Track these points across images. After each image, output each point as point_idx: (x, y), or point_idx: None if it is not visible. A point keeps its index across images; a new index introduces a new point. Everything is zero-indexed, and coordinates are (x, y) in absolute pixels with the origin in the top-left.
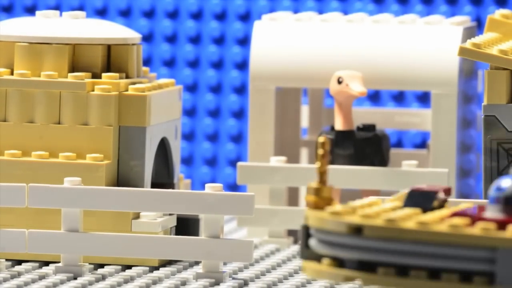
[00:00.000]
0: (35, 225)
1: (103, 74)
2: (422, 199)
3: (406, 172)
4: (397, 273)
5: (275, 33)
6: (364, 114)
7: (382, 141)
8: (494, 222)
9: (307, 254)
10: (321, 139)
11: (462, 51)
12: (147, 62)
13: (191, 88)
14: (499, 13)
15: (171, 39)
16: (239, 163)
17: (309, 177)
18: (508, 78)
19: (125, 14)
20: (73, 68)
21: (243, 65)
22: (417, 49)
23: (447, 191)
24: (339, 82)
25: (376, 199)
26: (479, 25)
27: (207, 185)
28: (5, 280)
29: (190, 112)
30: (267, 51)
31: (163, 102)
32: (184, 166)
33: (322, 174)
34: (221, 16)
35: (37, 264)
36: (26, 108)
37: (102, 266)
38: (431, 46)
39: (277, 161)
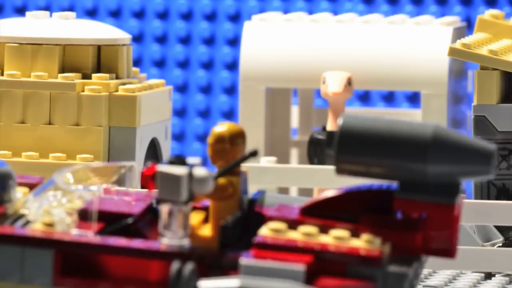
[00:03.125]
0: None
1: (93, 75)
2: None
3: None
4: None
5: (265, 34)
6: None
7: None
8: None
9: None
10: None
11: (452, 52)
12: (137, 62)
13: (181, 89)
14: (489, 14)
15: (161, 39)
16: None
17: (299, 177)
18: (498, 78)
19: (115, 15)
20: (63, 69)
21: (233, 66)
22: (407, 50)
23: None
24: (323, 83)
25: None
26: (469, 26)
27: None
28: None
29: (180, 113)
30: (257, 51)
31: (153, 102)
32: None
33: None
34: (211, 17)
35: None
36: (16, 109)
37: None
38: (421, 47)
39: (267, 161)
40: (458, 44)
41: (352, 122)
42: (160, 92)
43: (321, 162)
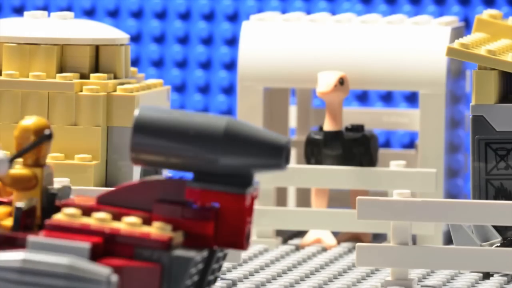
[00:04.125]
0: None
1: (91, 75)
2: None
3: (394, 173)
4: None
5: (263, 34)
6: (352, 114)
7: (371, 142)
8: None
9: None
10: None
11: (450, 51)
12: (135, 62)
13: (180, 89)
14: (487, 13)
15: (159, 39)
16: None
17: (297, 177)
18: (496, 78)
19: (113, 15)
20: (61, 69)
21: (231, 66)
22: (405, 49)
23: None
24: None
25: None
26: (467, 25)
27: None
28: None
29: None
30: (255, 51)
31: (151, 102)
32: None
33: None
34: (209, 17)
35: None
36: (14, 109)
37: None
38: (419, 46)
39: None
40: (456, 44)
41: (148, 113)
42: (158, 92)
43: (318, 162)
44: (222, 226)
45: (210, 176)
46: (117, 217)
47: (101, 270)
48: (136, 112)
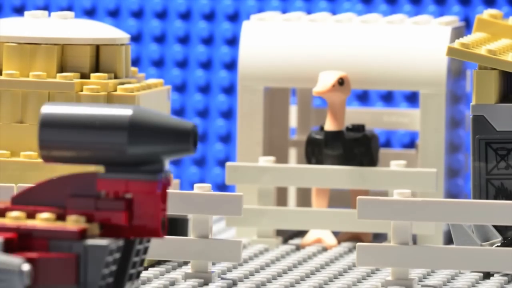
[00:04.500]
0: None
1: (92, 74)
2: None
3: (394, 172)
4: None
5: (263, 33)
6: (353, 114)
7: (371, 142)
8: None
9: None
10: None
11: (451, 51)
12: (135, 62)
13: (180, 88)
14: (487, 13)
15: (160, 39)
16: (228, 163)
17: (297, 177)
18: (496, 78)
19: (114, 14)
20: (61, 68)
21: (231, 65)
22: (405, 49)
23: None
24: None
25: None
26: (467, 25)
27: (195, 185)
28: None
29: (178, 112)
30: (256, 51)
31: (151, 102)
32: (173, 166)
33: None
34: (209, 16)
35: None
36: (15, 109)
37: None
38: (419, 46)
39: (266, 161)
40: (456, 44)
41: (53, 109)
42: (159, 91)
43: (319, 161)
44: (136, 215)
45: (121, 166)
46: (31, 215)
47: (13, 260)
48: (42, 110)
